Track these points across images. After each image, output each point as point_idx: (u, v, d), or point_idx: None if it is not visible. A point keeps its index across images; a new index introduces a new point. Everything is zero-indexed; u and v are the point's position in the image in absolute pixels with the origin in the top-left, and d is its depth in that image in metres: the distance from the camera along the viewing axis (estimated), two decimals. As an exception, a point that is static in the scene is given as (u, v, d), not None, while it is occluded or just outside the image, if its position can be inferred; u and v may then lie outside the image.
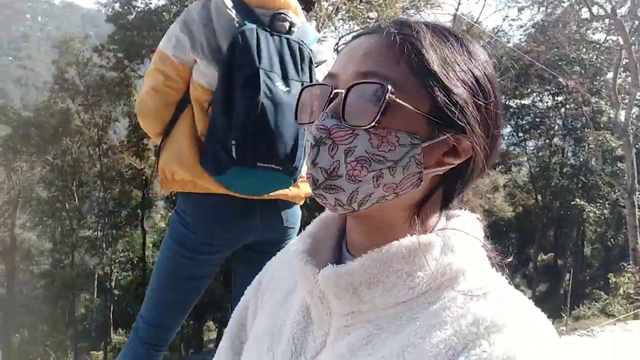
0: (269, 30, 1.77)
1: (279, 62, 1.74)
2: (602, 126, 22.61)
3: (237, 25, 1.74)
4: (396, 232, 0.68)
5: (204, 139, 1.77)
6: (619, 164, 22.57)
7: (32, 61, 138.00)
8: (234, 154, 1.68)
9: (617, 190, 22.47)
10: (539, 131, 27.87)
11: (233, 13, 1.75)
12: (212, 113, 1.76)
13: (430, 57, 0.65)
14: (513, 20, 34.72)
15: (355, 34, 0.76)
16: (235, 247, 1.93)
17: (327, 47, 1.97)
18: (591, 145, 22.69)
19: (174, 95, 1.81)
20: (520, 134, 28.38)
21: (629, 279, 13.94)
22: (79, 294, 26.26)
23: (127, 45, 22.23)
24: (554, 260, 26.55)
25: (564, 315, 14.59)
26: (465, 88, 0.67)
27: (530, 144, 29.18)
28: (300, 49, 1.80)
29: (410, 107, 0.64)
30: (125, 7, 22.51)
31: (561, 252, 26.37)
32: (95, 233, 25.55)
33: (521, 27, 25.37)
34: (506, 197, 28.50)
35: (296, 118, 0.72)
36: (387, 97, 0.63)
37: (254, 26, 1.73)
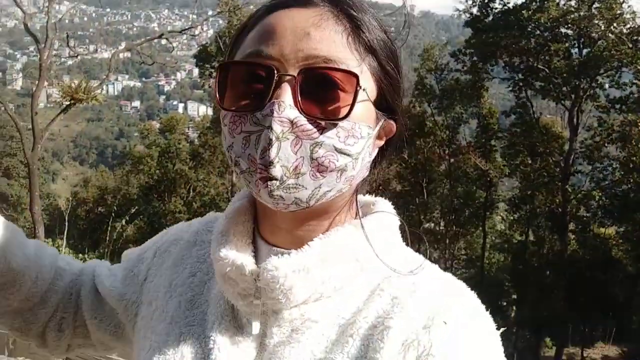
0: None
1: None
2: None
3: None
4: (329, 219, 0.66)
5: None
6: None
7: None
8: None
9: None
10: None
11: None
12: None
13: (375, 43, 0.62)
14: None
15: (271, 3, 0.64)
16: None
17: None
18: None
19: None
20: None
21: None
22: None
23: (482, 48, 22.55)
24: None
25: None
26: (394, 71, 0.65)
27: None
28: None
29: (368, 97, 0.61)
30: (483, 10, 22.82)
31: None
32: (439, 228, 27.04)
33: None
34: None
35: (219, 103, 0.62)
36: (358, 87, 0.58)
37: None
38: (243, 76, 0.62)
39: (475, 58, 23.46)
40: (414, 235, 0.76)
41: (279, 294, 0.62)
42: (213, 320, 0.69)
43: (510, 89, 23.85)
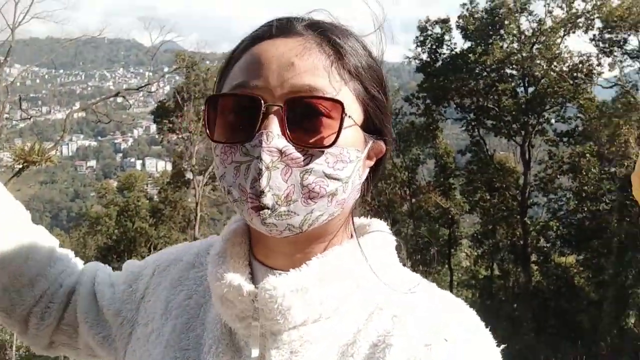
0: None
1: None
2: None
3: None
4: (325, 240, 0.67)
5: None
6: None
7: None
8: None
9: None
10: None
11: None
12: None
13: (359, 67, 0.64)
14: None
15: (255, 34, 0.66)
16: None
17: None
18: None
19: None
20: None
21: None
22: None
23: (434, 91, 23.46)
24: None
25: None
26: (381, 93, 0.66)
27: None
28: None
29: (355, 122, 0.63)
30: (432, 56, 23.89)
31: None
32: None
33: None
34: None
35: (209, 135, 0.63)
36: (344, 114, 0.59)
37: None
38: (231, 108, 0.63)
39: (428, 101, 24.34)
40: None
41: (277, 315, 0.62)
42: (210, 344, 0.68)
43: (463, 128, 24.74)
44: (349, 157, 0.63)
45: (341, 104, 0.60)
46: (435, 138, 25.40)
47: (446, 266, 25.98)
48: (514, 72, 22.96)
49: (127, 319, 0.81)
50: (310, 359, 0.63)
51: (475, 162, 24.06)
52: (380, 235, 0.72)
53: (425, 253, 26.48)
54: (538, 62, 21.73)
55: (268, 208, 0.59)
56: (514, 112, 22.25)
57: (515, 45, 22.26)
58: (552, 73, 21.21)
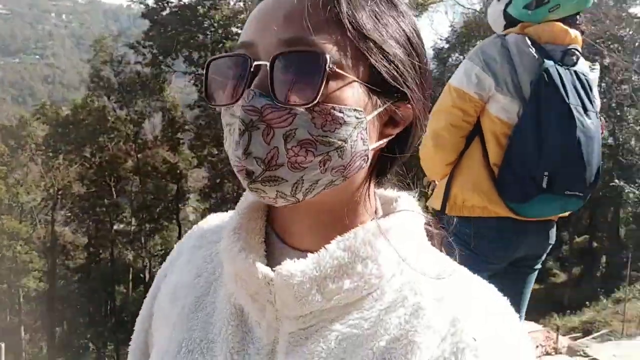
0: (561, 65, 1.92)
1: (577, 96, 1.89)
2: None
3: (537, 62, 1.89)
4: (344, 218, 0.62)
5: (496, 168, 1.95)
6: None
7: (58, 58, 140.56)
8: (544, 184, 1.84)
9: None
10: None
11: (533, 51, 1.90)
12: (516, 146, 1.91)
13: (361, 16, 0.58)
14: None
15: None
16: (505, 262, 2.09)
17: (596, 74, 2.11)
18: (631, 124, 22.14)
19: (468, 128, 2.00)
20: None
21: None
22: (116, 287, 26.82)
23: (162, 41, 22.47)
24: (589, 243, 26.11)
25: (602, 298, 14.34)
26: (400, 48, 0.60)
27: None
28: (586, 80, 1.96)
29: (352, 77, 0.57)
30: (159, 3, 22.71)
31: (595, 234, 25.94)
32: (130, 227, 26.00)
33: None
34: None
35: (208, 99, 0.61)
36: (327, 67, 0.54)
37: (552, 63, 1.88)
38: (223, 69, 0.60)
39: (155, 51, 23.19)
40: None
41: (293, 301, 0.57)
42: (220, 325, 0.63)
43: (192, 82, 24.55)
44: (343, 118, 0.55)
45: (323, 55, 0.54)
46: (162, 90, 24.59)
47: (174, 221, 25.93)
48: (240, 30, 23.71)
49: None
50: (325, 347, 0.58)
51: (204, 117, 24.31)
52: (408, 215, 0.64)
53: (153, 210, 25.84)
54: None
55: (252, 172, 0.55)
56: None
57: (241, 4, 22.94)
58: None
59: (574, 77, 1.92)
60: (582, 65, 2.02)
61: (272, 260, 0.62)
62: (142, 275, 25.91)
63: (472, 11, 21.03)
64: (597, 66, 2.14)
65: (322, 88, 0.54)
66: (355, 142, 0.57)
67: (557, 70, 1.88)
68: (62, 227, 28.60)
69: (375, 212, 0.65)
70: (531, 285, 2.22)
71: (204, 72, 0.61)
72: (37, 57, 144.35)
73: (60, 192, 26.10)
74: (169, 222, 26.40)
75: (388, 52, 0.59)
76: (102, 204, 25.79)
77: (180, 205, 26.17)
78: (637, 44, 22.02)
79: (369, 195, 0.64)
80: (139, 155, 25.25)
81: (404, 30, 0.61)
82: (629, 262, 12.24)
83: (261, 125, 0.54)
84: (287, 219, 0.64)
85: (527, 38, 1.93)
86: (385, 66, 0.58)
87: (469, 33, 20.83)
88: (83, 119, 24.97)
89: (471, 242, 1.94)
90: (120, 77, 25.06)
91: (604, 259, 23.78)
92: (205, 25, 22.79)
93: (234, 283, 0.62)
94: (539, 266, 2.20)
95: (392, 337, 0.57)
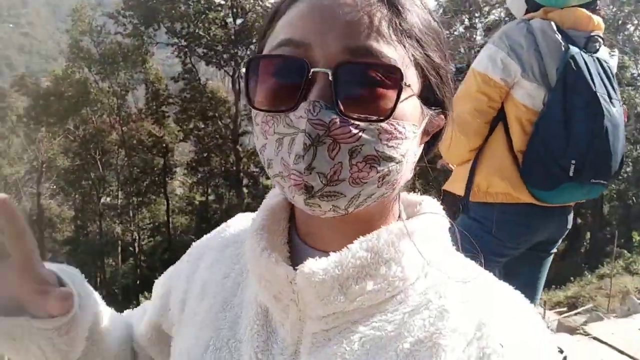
0: (585, 51, 1.90)
1: (602, 84, 1.88)
2: (625, 83, 22.33)
3: (563, 49, 1.87)
4: (370, 221, 0.61)
5: (520, 155, 1.95)
6: (642, 121, 22.40)
7: (33, 28, 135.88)
8: (571, 172, 1.85)
9: (638, 148, 22.41)
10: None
11: (559, 37, 1.89)
12: (542, 133, 1.91)
13: (421, 29, 0.56)
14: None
15: None
16: (525, 247, 2.12)
17: (616, 60, 2.09)
18: (614, 102, 22.38)
19: (493, 114, 1.98)
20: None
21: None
22: (105, 259, 26.91)
23: (143, 11, 21.94)
24: (573, 219, 26.71)
25: (587, 273, 14.78)
26: (443, 61, 0.59)
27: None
28: (608, 67, 1.94)
29: (413, 92, 0.55)
30: (140, -28, 22.09)
31: (580, 211, 26.58)
32: (118, 201, 25.92)
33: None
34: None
35: (250, 102, 0.57)
36: (403, 83, 0.52)
37: (577, 49, 1.87)
38: (273, 71, 0.55)
39: (136, 21, 22.65)
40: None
41: (316, 300, 0.57)
42: (245, 324, 0.64)
43: (175, 54, 24.13)
44: (404, 133, 0.54)
45: (400, 70, 0.52)
46: (145, 62, 24.13)
47: (162, 195, 25.90)
48: (222, 1, 23.25)
49: (173, 319, 0.76)
50: (348, 349, 0.57)
51: (189, 90, 23.99)
52: (431, 218, 0.64)
53: (140, 183, 25.73)
54: (245, -7, 22.47)
55: (312, 187, 0.52)
56: (224, 42, 22.75)
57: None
58: (258, 8, 22.32)
59: (597, 64, 1.90)
60: (603, 52, 1.99)
61: (295, 261, 0.61)
62: (131, 248, 26.02)
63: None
64: (616, 52, 2.10)
65: (396, 104, 0.52)
66: (410, 156, 0.57)
67: (583, 57, 1.85)
68: (47, 200, 28.37)
69: (399, 215, 0.64)
70: (547, 268, 2.24)
71: (245, 69, 0.57)
72: (12, 25, 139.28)
73: (44, 165, 25.81)
74: (157, 195, 26.37)
75: (438, 65, 0.58)
76: (88, 177, 25.58)
77: (167, 178, 26.09)
78: (620, 21, 22.13)
79: (399, 201, 0.64)
80: (123, 129, 24.94)
81: (442, 39, 0.60)
82: (615, 238, 12.58)
83: (327, 140, 0.51)
84: (311, 222, 0.62)
85: (552, 23, 1.90)
86: (435, 79, 0.58)
87: (454, 8, 20.72)
88: (64, 90, 24.44)
89: (493, 227, 2.01)
90: (101, 47, 24.47)
91: (588, 235, 24.27)
92: (188, -6, 22.29)
93: (257, 284, 0.61)
94: (554, 250, 2.22)
95: (416, 340, 0.55)
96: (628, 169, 24.16)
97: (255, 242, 0.62)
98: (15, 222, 0.58)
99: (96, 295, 0.76)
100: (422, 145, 0.61)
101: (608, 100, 1.87)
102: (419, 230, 0.60)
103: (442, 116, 0.61)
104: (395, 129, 0.53)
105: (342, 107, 0.51)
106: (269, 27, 0.59)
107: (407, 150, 0.56)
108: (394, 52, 0.53)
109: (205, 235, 0.80)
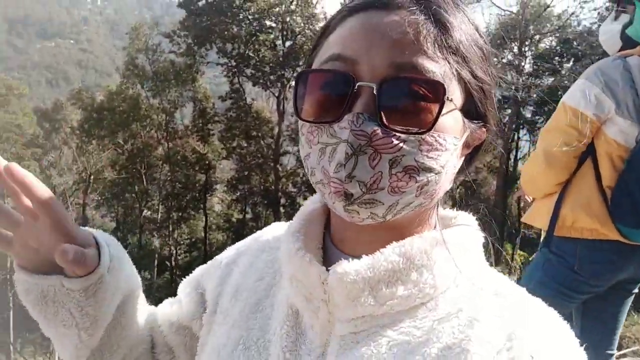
0: None
1: None
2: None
3: None
4: (408, 230, 0.62)
5: (609, 191, 1.94)
6: None
7: (92, 44, 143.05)
8: None
9: None
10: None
11: None
12: (634, 170, 1.89)
13: (466, 45, 0.57)
14: (584, 2, 32.58)
15: (354, 5, 0.60)
16: (607, 285, 2.08)
17: None
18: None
19: (582, 149, 1.97)
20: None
21: None
22: (142, 272, 27.32)
23: (197, 31, 22.61)
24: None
25: (633, 313, 13.94)
26: (487, 76, 0.60)
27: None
28: None
29: (455, 105, 0.57)
30: (197, -7, 22.84)
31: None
32: (158, 215, 26.38)
33: (595, 9, 23.88)
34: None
35: (297, 113, 0.60)
36: (445, 98, 0.54)
37: None
38: (321, 84, 0.58)
39: (190, 41, 23.36)
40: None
41: (346, 301, 0.58)
42: (275, 325, 0.65)
43: (224, 74, 24.68)
44: (445, 145, 0.56)
45: (442, 85, 0.54)
46: (195, 81, 24.78)
47: (201, 211, 26.21)
48: (274, 24, 23.74)
49: (204, 319, 0.78)
50: (375, 351, 0.57)
51: (234, 110, 24.43)
52: (466, 230, 0.64)
53: (181, 198, 26.15)
54: (296, 17, 22.89)
55: (351, 195, 0.54)
56: (271, 64, 23.13)
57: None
58: (308, 31, 22.64)
59: None
60: None
61: (327, 265, 0.61)
62: (167, 262, 26.30)
63: (507, 13, 20.57)
64: None
65: (439, 117, 0.54)
66: (449, 168, 0.58)
67: None
68: (92, 210, 29.17)
69: (435, 226, 0.64)
70: (627, 308, 2.20)
71: (294, 82, 0.59)
72: (72, 41, 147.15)
73: (92, 177, 26.63)
74: (196, 211, 26.71)
75: (482, 80, 0.59)
76: (132, 190, 26.20)
77: (207, 195, 26.42)
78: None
79: (436, 212, 0.64)
80: (169, 144, 25.55)
81: (486, 54, 0.60)
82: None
83: (369, 150, 0.53)
84: (346, 229, 0.64)
85: None
86: (478, 94, 0.59)
87: (503, 35, 20.44)
88: (117, 105, 25.36)
89: (575, 263, 1.97)
90: (155, 65, 25.34)
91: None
92: (240, 17, 22.86)
93: (289, 284, 0.63)
94: (636, 290, 2.18)
95: (445, 345, 0.55)
96: None
97: (290, 243, 0.64)
98: (29, 185, 0.62)
99: (131, 267, 0.78)
100: (463, 157, 0.63)
101: None
102: (453, 240, 0.61)
103: (484, 129, 0.62)
104: (435, 140, 0.55)
105: (384, 119, 0.54)
106: (319, 42, 0.63)
107: (447, 162, 0.57)
108: (438, 67, 0.55)
109: (240, 241, 0.83)
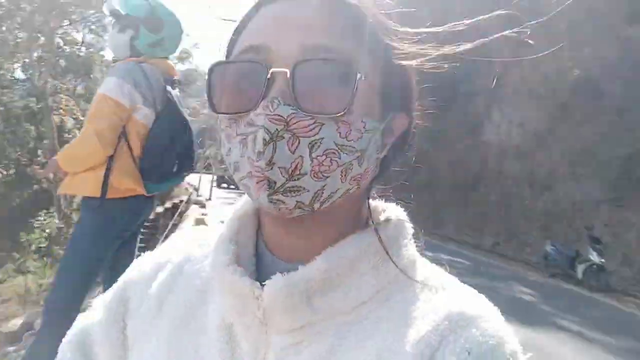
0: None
1: None
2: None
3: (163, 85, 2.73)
4: (339, 224, 0.60)
5: (138, 159, 2.67)
6: None
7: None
8: (174, 169, 2.73)
9: None
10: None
11: (162, 79, 2.72)
12: (151, 143, 2.68)
13: (379, 27, 0.57)
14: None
15: None
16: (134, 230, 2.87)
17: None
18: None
19: (120, 129, 2.64)
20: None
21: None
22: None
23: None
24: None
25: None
26: (405, 59, 0.58)
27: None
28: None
29: (372, 87, 0.56)
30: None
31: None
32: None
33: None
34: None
35: (213, 108, 0.57)
36: (358, 77, 0.53)
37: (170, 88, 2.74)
38: (235, 76, 0.56)
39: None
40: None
41: (282, 314, 0.56)
42: (207, 341, 0.61)
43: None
44: (364, 127, 0.55)
45: (354, 66, 0.53)
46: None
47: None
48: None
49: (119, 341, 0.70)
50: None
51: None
52: (400, 225, 0.63)
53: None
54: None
55: (274, 182, 0.53)
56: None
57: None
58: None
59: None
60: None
61: (261, 274, 0.60)
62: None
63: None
64: None
65: (353, 98, 0.52)
66: (371, 151, 0.57)
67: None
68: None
69: (366, 221, 0.63)
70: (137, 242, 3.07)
71: (207, 77, 0.57)
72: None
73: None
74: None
75: (396, 65, 0.58)
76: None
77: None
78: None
79: (367, 205, 0.63)
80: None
81: (402, 37, 0.59)
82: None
83: (286, 135, 0.52)
84: (278, 231, 0.61)
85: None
86: (395, 77, 0.58)
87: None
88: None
89: (123, 217, 2.68)
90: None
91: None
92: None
93: (221, 297, 0.60)
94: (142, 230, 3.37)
95: (384, 346, 0.55)
96: None
97: (219, 255, 0.61)
98: None
99: None
100: (388, 144, 0.61)
101: None
102: (390, 234, 0.61)
103: (405, 116, 0.61)
104: (354, 122, 0.54)
105: (299, 102, 0.52)
106: (232, 41, 0.62)
107: (369, 145, 0.56)
108: (351, 49, 0.54)
109: (149, 255, 0.74)
